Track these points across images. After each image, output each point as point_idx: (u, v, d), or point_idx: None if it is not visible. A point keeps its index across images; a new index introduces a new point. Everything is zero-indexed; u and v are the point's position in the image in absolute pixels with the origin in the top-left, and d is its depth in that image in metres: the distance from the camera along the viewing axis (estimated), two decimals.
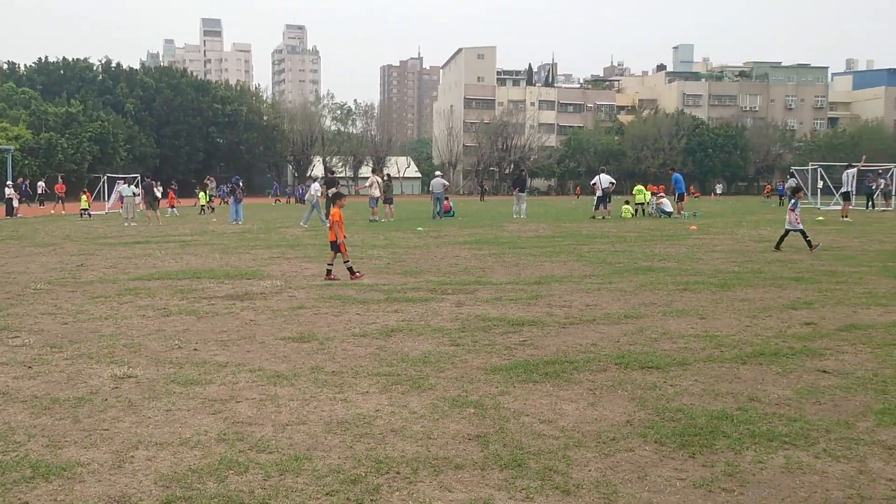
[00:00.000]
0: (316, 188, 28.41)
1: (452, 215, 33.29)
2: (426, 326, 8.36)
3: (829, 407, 5.35)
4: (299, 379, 6.20)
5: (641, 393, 5.71)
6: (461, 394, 5.75)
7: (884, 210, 38.55)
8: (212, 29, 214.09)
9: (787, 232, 16.78)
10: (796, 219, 16.63)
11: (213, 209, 42.70)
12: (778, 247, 16.83)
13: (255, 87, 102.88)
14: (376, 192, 30.52)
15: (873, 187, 40.75)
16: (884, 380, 6.00)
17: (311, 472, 4.25)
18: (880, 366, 6.46)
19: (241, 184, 32.18)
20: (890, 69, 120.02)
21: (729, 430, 4.82)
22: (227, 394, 5.80)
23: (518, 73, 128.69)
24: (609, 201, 31.91)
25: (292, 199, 67.57)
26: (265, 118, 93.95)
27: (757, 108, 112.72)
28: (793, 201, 17.22)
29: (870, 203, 39.71)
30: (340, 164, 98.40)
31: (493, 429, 4.95)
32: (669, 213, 32.18)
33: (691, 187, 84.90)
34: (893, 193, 42.61)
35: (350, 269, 12.34)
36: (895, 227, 25.18)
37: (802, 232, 16.58)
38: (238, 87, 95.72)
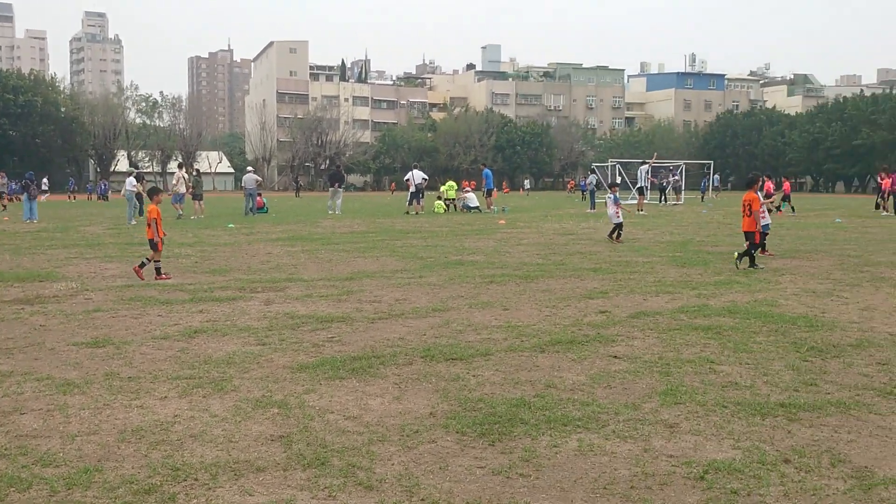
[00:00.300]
0: (132, 183, 26.76)
1: (266, 211, 32.56)
2: (232, 326, 8.11)
3: (618, 390, 5.66)
4: (91, 386, 5.82)
5: (445, 385, 5.81)
6: (265, 394, 5.61)
7: (674, 204, 41.54)
8: (2, 14, 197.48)
9: (616, 225, 17.73)
10: (617, 212, 17.67)
11: (4, 207, 39.46)
12: (611, 236, 17.73)
13: (52, 77, 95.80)
14: (182, 189, 29.40)
15: (664, 183, 43.83)
16: (668, 363, 6.44)
17: (101, 484, 4.00)
18: (665, 350, 6.92)
19: (34, 180, 29.93)
20: (679, 73, 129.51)
21: (527, 417, 5.00)
22: (9, 405, 5.35)
23: (331, 68, 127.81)
24: (422, 197, 32.36)
25: (93, 196, 63.55)
26: (63, 110, 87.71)
27: (561, 108, 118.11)
28: (612, 196, 18.23)
29: (662, 197, 42.65)
30: (147, 158, 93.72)
31: (297, 428, 4.86)
32: (475, 208, 33.09)
33: (504, 183, 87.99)
34: (683, 188, 46.02)
35: (158, 269, 11.78)
36: (684, 220, 27.21)
37: (620, 226, 17.66)
38: (32, 77, 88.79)
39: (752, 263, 12.51)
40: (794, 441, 4.58)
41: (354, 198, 60.40)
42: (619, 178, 46.34)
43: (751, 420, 4.96)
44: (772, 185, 24.01)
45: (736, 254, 12.77)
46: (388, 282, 11.38)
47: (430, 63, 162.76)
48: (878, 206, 30.56)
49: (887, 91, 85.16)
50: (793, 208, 31.43)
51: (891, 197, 29.95)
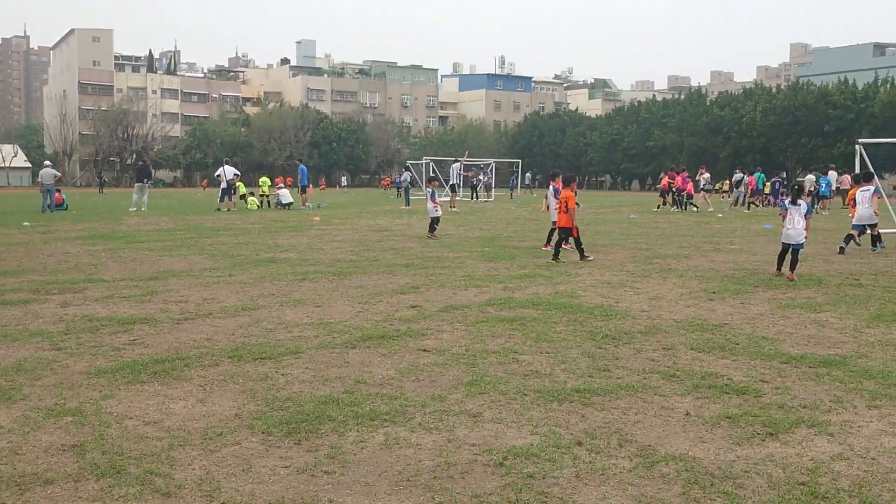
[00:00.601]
0: None
1: (65, 209, 30.49)
2: (24, 331, 7.54)
3: (426, 383, 5.77)
4: None
5: (253, 385, 5.69)
6: (59, 402, 5.27)
7: (485, 201, 42.83)
8: None
9: (433, 219, 18.02)
10: (435, 206, 18.00)
11: None
12: (431, 232, 18.07)
13: None
14: None
15: (474, 181, 45.10)
16: (474, 354, 6.64)
17: None
18: (472, 342, 7.13)
19: None
20: (489, 74, 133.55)
21: (335, 414, 4.99)
22: None
23: (138, 58, 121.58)
24: (234, 193, 31.51)
25: None
26: None
27: (376, 105, 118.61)
28: (430, 190, 18.60)
29: (474, 195, 43.87)
30: None
31: (91, 437, 4.60)
32: (288, 205, 32.65)
33: (322, 180, 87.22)
34: (493, 186, 47.54)
35: None
36: (494, 217, 28.13)
37: (437, 220, 18.01)
38: None
39: (556, 256, 13.22)
40: (587, 424, 4.85)
41: (163, 194, 57.79)
42: (434, 176, 47.28)
43: (549, 406, 5.20)
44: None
45: (551, 249, 13.65)
46: (195, 281, 10.99)
47: (244, 56, 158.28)
48: (665, 204, 32.91)
49: (676, 96, 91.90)
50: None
51: (682, 194, 32.35)
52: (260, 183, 36.49)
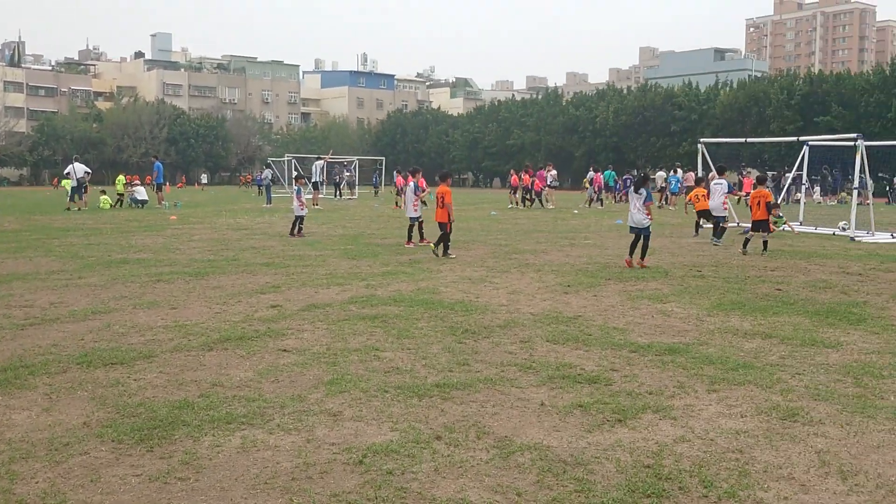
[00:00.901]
0: None
1: None
2: None
3: (286, 384, 5.70)
4: None
5: (103, 391, 5.46)
6: None
7: (349, 199, 42.60)
8: None
9: (297, 218, 17.78)
10: (301, 205, 17.71)
11: None
12: (293, 232, 17.77)
13: None
14: None
15: (337, 179, 44.81)
16: (335, 353, 6.61)
17: None
18: (334, 340, 7.09)
19: None
20: (352, 71, 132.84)
21: (189, 419, 4.85)
22: None
23: None
24: (86, 191, 30.00)
25: None
26: None
27: (236, 101, 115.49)
28: (296, 188, 18.32)
29: (337, 192, 43.55)
30: None
31: None
32: (143, 203, 31.42)
33: (183, 178, 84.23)
34: (357, 184, 47.35)
35: None
36: (357, 215, 28.04)
37: (302, 218, 17.77)
38: None
39: (446, 252, 13.71)
40: (446, 418, 4.92)
41: (7, 193, 54.31)
42: (296, 173, 46.65)
43: (409, 402, 5.25)
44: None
45: (432, 245, 13.97)
46: (42, 284, 10.40)
47: (95, 49, 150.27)
48: (523, 202, 33.73)
49: (534, 96, 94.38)
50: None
51: (531, 192, 33.22)
52: (116, 181, 34.85)
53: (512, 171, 36.43)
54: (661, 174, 38.37)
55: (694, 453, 4.36)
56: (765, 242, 14.56)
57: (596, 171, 38.82)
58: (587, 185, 37.73)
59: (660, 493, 3.82)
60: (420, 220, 15.87)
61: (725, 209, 16.86)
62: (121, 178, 35.57)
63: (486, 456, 4.31)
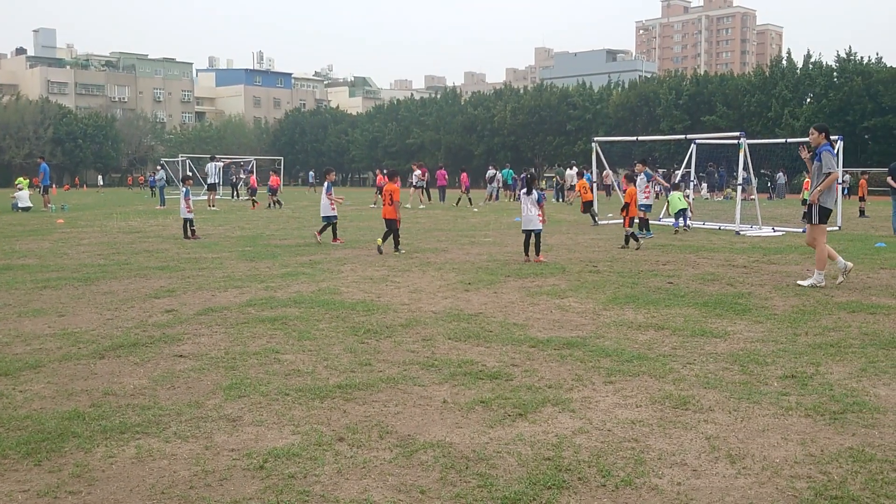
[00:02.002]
0: None
1: None
2: None
3: (182, 390, 5.55)
4: None
5: None
6: None
7: (247, 199, 41.82)
8: None
9: (185, 220, 17.36)
10: (188, 207, 17.28)
11: None
12: (187, 234, 17.41)
13: None
14: None
15: (234, 179, 43.96)
16: (234, 357, 6.47)
17: None
18: (232, 344, 6.95)
19: None
20: (247, 69, 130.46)
21: (80, 430, 4.66)
22: None
23: None
24: None
25: None
26: None
27: (126, 99, 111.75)
28: (184, 189, 17.80)
29: (234, 193, 42.70)
30: None
31: None
32: (27, 208, 30.15)
33: (76, 179, 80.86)
34: (244, 185, 46.54)
35: None
36: (255, 216, 27.54)
37: (191, 220, 17.32)
38: None
39: (397, 247, 14.27)
40: (348, 419, 4.89)
41: None
42: (191, 174, 45.51)
43: (310, 404, 5.19)
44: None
45: (379, 240, 14.28)
46: None
47: None
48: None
49: (433, 95, 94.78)
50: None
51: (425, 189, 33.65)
52: (16, 182, 32.99)
53: (378, 172, 37.35)
54: (570, 172, 39.03)
55: (592, 444, 4.47)
56: (626, 237, 15.23)
57: (496, 169, 39.38)
58: (487, 182, 38.21)
59: (560, 484, 3.90)
60: (334, 220, 16.30)
61: (647, 198, 17.71)
62: (21, 179, 33.68)
63: (390, 455, 4.30)
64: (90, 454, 4.31)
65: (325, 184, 16.58)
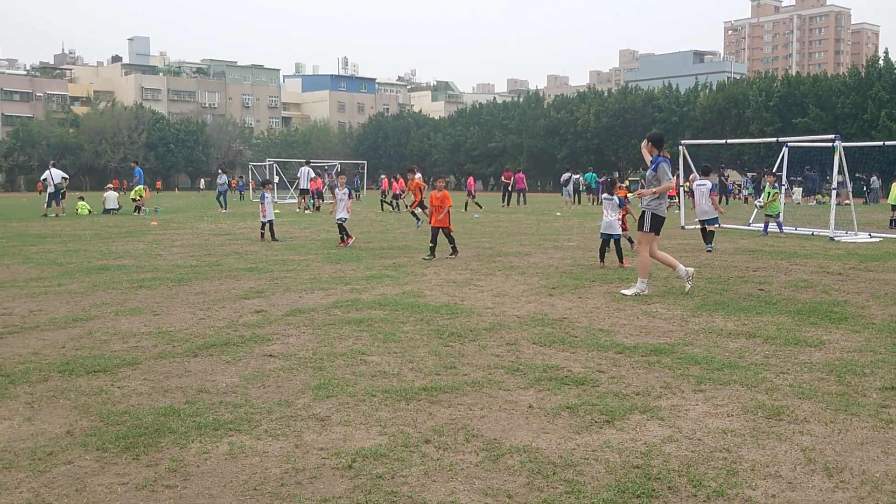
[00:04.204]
0: None
1: None
2: None
3: (272, 389, 5.67)
4: None
5: (86, 400, 5.40)
6: None
7: (331, 202, 42.49)
8: None
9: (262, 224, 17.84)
10: (263, 212, 17.74)
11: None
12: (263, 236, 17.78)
13: None
14: None
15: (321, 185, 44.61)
16: (321, 357, 6.58)
17: None
18: (319, 345, 7.06)
19: None
20: (332, 75, 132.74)
21: (175, 426, 4.81)
22: None
23: None
24: (63, 198, 29.76)
25: None
26: None
27: (216, 105, 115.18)
28: (262, 194, 18.37)
29: (321, 197, 43.39)
30: None
31: None
32: (118, 209, 31.33)
33: (158, 183, 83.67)
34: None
35: None
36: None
37: (270, 223, 17.66)
38: None
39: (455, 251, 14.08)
40: (434, 422, 4.91)
41: None
42: (277, 178, 46.54)
43: (397, 406, 5.23)
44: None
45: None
46: (20, 292, 10.29)
47: (71, 53, 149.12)
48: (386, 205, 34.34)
49: (515, 99, 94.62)
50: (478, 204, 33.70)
51: (395, 197, 33.81)
52: (136, 190, 33.99)
53: (383, 177, 38.04)
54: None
55: (682, 453, 4.37)
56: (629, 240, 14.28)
57: (572, 172, 39.09)
58: (562, 186, 37.90)
59: (650, 493, 3.83)
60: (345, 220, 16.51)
61: (714, 209, 16.47)
62: (139, 188, 34.06)
63: (476, 458, 4.30)
64: (185, 450, 4.44)
65: (262, 192, 17.36)
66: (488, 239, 18.27)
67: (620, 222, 12.73)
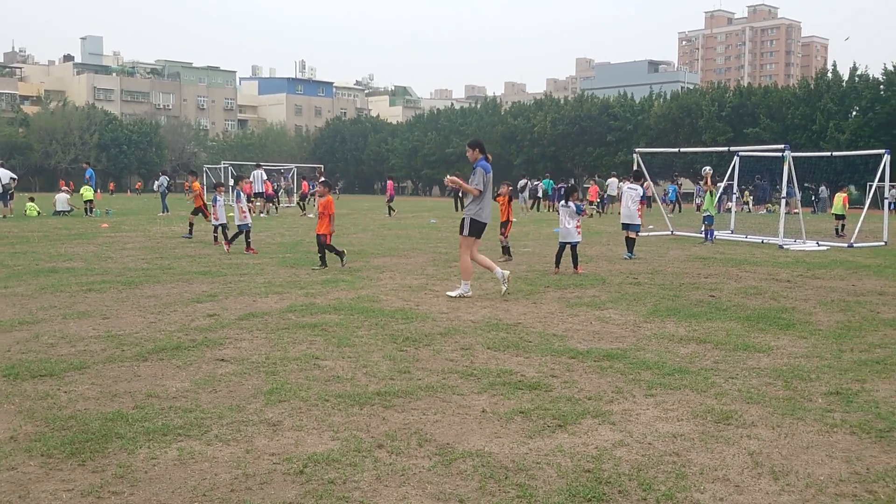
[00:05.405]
0: None
1: None
2: None
3: (224, 394, 5.60)
4: None
5: (31, 404, 5.28)
6: None
7: (287, 206, 42.17)
8: None
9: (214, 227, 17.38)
10: (215, 215, 17.38)
11: None
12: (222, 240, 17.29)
13: None
14: None
15: (275, 188, 44.30)
16: (274, 362, 6.52)
17: None
18: (272, 349, 7.00)
19: None
20: (290, 78, 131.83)
21: (123, 431, 4.72)
22: None
23: None
24: (11, 199, 29.10)
25: None
26: None
27: (170, 107, 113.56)
28: (213, 196, 17.91)
29: (276, 200, 43.04)
30: None
31: None
32: (69, 211, 30.72)
33: (138, 183, 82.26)
34: (296, 191, 46.91)
35: None
36: (295, 222, 27.76)
37: (223, 227, 17.32)
38: None
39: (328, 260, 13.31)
40: (387, 427, 4.90)
41: None
42: (233, 181, 46.09)
43: (350, 411, 5.21)
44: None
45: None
46: None
47: (21, 51, 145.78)
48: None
49: (473, 105, 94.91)
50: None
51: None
52: (81, 191, 33.32)
53: (303, 179, 38.72)
54: (612, 181, 38.74)
55: (632, 457, 4.42)
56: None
57: (528, 179, 39.39)
58: (518, 192, 38.13)
59: (600, 496, 3.86)
60: (248, 227, 16.07)
61: (640, 217, 16.35)
62: (86, 187, 33.52)
63: (429, 463, 4.30)
64: (133, 455, 4.36)
65: (236, 192, 16.66)
66: (444, 244, 18.30)
67: (578, 230, 12.85)
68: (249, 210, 16.91)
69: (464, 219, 10.39)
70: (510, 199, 16.00)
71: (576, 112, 75.76)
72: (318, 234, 13.50)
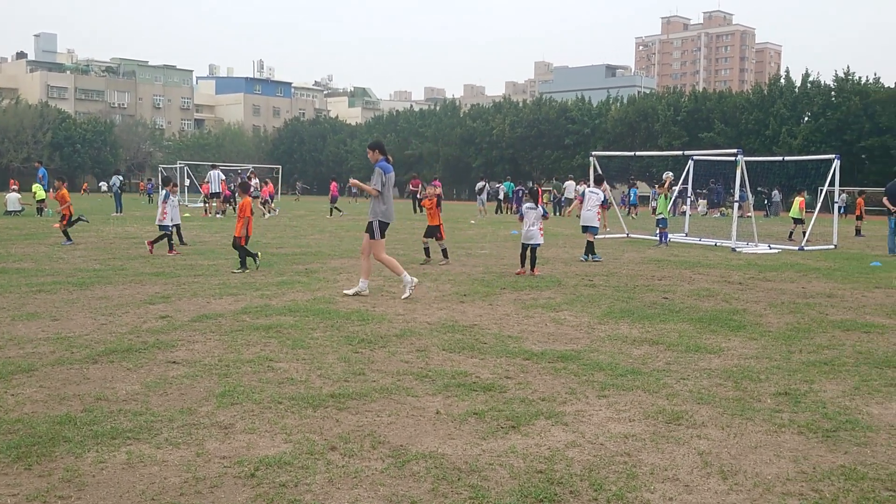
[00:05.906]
0: None
1: None
2: None
3: (175, 397, 5.53)
4: None
5: None
6: None
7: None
8: None
9: (173, 226, 16.89)
10: (163, 215, 16.89)
11: None
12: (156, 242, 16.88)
13: None
14: None
15: (232, 188, 43.91)
16: (227, 364, 6.45)
17: None
18: (226, 351, 6.93)
19: None
20: (247, 78, 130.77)
21: (71, 435, 4.64)
22: None
23: None
24: None
25: None
26: None
27: (126, 106, 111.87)
28: (164, 193, 17.45)
29: (233, 201, 42.68)
30: None
31: None
32: (20, 211, 30.13)
33: (86, 184, 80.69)
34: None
35: None
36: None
37: (168, 228, 16.89)
38: None
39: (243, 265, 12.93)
40: (341, 429, 4.88)
41: None
42: (189, 181, 45.60)
43: (303, 413, 5.18)
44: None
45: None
46: None
47: None
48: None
49: (432, 107, 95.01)
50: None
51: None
52: (34, 189, 32.50)
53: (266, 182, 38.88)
54: (570, 184, 39.03)
55: (584, 457, 4.46)
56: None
57: (486, 181, 39.56)
58: (476, 194, 38.32)
59: (552, 497, 3.89)
60: (170, 230, 15.91)
61: (599, 220, 16.52)
62: (37, 186, 32.75)
63: (382, 465, 4.29)
64: (81, 459, 4.29)
65: (163, 192, 16.47)
66: (402, 246, 18.28)
67: (541, 231, 12.87)
68: (206, 210, 16.67)
69: (371, 222, 10.44)
70: (439, 202, 15.90)
71: (534, 115, 76.28)
72: (234, 237, 13.23)
